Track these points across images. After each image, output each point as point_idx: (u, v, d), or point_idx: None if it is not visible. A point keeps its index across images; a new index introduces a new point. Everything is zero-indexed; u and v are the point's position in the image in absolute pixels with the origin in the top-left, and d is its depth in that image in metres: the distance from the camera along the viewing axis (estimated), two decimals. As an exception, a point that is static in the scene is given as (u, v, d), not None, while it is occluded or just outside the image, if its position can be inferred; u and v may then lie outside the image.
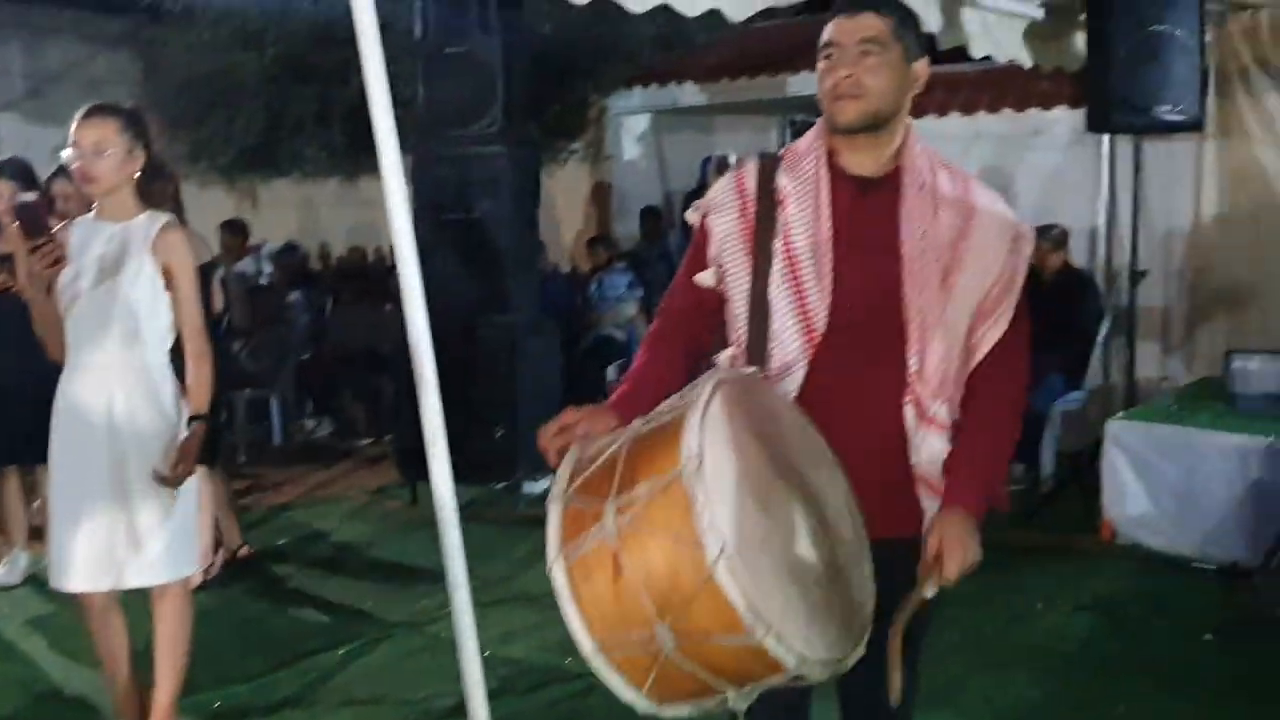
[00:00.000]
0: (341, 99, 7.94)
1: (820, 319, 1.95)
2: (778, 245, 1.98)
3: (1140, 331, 6.10)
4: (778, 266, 1.97)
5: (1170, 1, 5.23)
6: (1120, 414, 5.20)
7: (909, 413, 1.95)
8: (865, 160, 1.99)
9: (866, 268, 1.95)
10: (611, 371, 7.89)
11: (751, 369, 1.95)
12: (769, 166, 2.04)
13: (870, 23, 1.93)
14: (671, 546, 1.55)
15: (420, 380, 2.79)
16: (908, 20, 1.99)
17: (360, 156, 7.40)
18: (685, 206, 9.28)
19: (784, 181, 2.00)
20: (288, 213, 9.22)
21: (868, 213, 1.97)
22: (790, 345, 1.96)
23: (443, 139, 5.86)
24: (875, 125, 1.95)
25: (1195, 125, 5.42)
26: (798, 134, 8.92)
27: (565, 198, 9.68)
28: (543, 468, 5.96)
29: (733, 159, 8.99)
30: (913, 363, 1.95)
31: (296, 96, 8.36)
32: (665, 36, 8.77)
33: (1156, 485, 4.83)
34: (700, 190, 8.86)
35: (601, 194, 10.20)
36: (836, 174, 1.99)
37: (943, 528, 1.89)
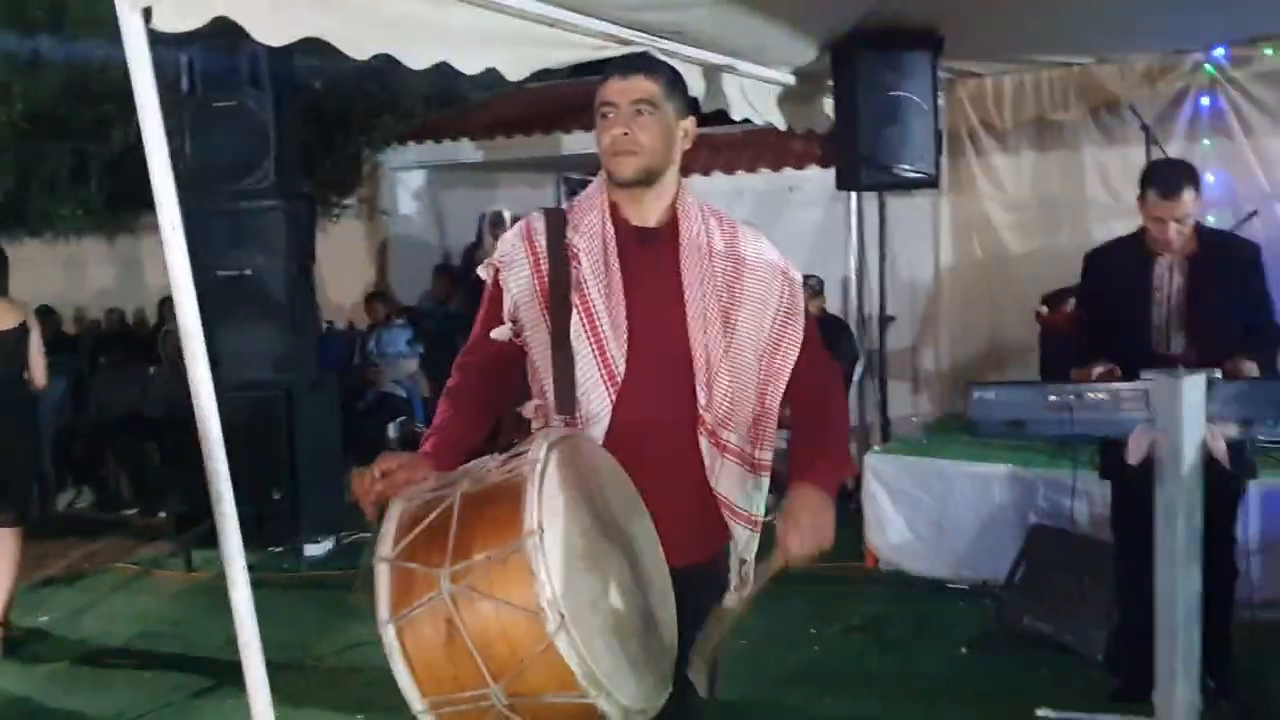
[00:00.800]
0: (99, 155, 7.61)
1: (620, 366, 2.06)
2: (574, 298, 2.07)
3: (891, 372, 6.60)
4: (576, 319, 2.07)
5: (907, 69, 5.71)
6: (877, 448, 5.60)
7: (704, 444, 2.09)
8: (645, 211, 2.13)
9: (655, 314, 2.09)
10: (392, 429, 7.83)
11: (574, 428, 2.04)
12: (556, 222, 2.14)
13: (642, 84, 2.08)
14: (510, 615, 1.62)
15: (206, 440, 2.76)
16: (676, 81, 2.16)
17: (119, 214, 7.13)
18: (465, 261, 9.34)
19: (573, 236, 2.11)
20: (41, 274, 8.71)
21: (651, 261, 2.12)
22: (595, 394, 2.06)
23: (213, 193, 5.74)
24: (650, 179, 2.10)
25: (931, 182, 5.91)
26: (572, 192, 9.17)
27: (340, 254, 9.56)
28: (324, 530, 5.88)
29: (507, 215, 9.14)
30: (701, 397, 2.09)
31: (48, 152, 7.95)
32: (440, 94, 8.87)
33: (913, 513, 5.23)
34: (477, 245, 8.95)
35: (379, 250, 10.13)
36: (620, 225, 2.13)
37: (792, 504, 2.01)
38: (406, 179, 10.02)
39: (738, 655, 4.21)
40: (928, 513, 5.19)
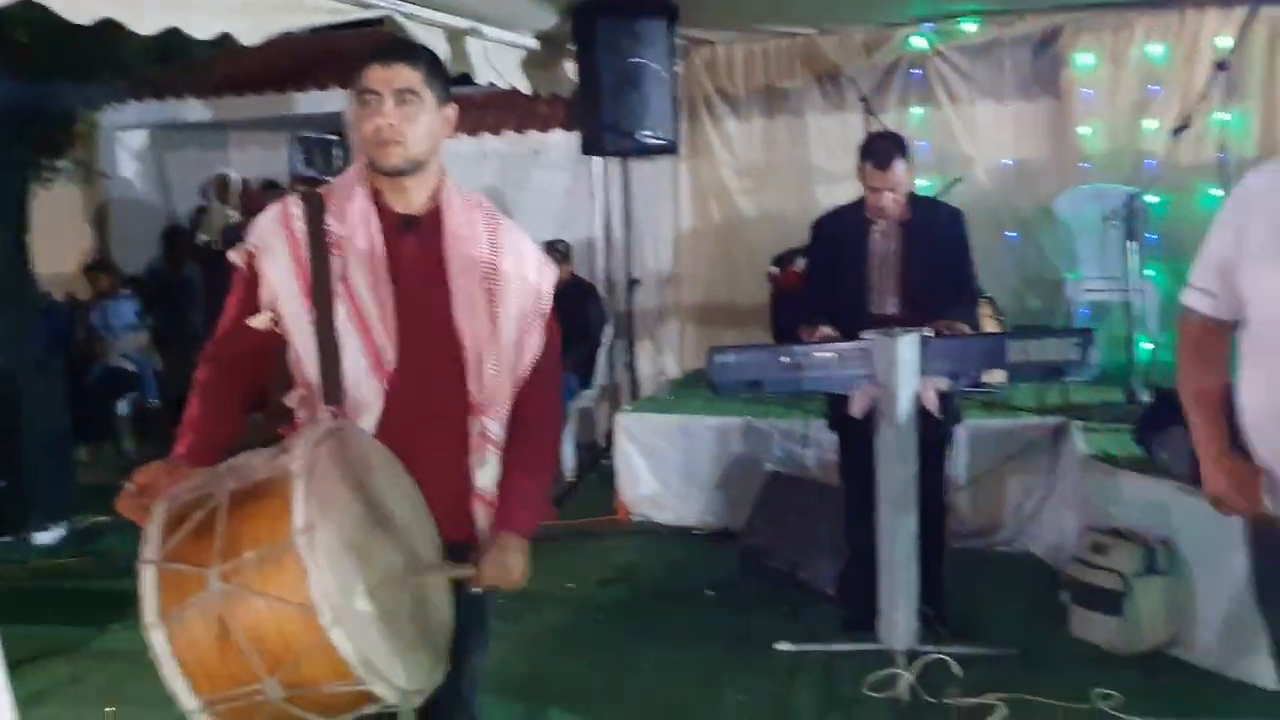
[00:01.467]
0: None
1: (389, 355, 2.07)
2: (339, 287, 2.06)
3: (638, 333, 6.82)
4: (341, 308, 2.05)
5: (645, 36, 5.88)
6: (627, 407, 5.81)
7: (474, 432, 2.12)
8: (409, 199, 2.13)
9: (422, 302, 2.10)
10: (122, 405, 7.42)
11: (342, 419, 2.03)
12: (315, 207, 2.11)
13: (405, 72, 2.06)
14: (284, 610, 1.63)
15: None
16: (436, 68, 2.14)
17: None
18: (192, 225, 8.82)
19: (334, 224, 2.09)
20: None
21: (417, 249, 2.12)
22: (364, 383, 2.06)
23: (-94, 160, 5.24)
24: (415, 167, 2.09)
25: (671, 148, 6.14)
26: (308, 151, 8.84)
27: (53, 221, 8.88)
28: (54, 516, 5.54)
29: (233, 176, 8.76)
30: (474, 388, 2.12)
31: None
32: (164, 48, 8.33)
33: (661, 466, 5.48)
34: (204, 210, 8.54)
35: (97, 215, 9.48)
36: (384, 213, 2.12)
37: (494, 551, 2.09)
38: (127, 139, 9.40)
39: (498, 617, 4.32)
40: (674, 465, 5.44)
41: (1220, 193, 6.01)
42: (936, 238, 3.78)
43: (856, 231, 3.80)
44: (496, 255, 2.20)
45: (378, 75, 2.07)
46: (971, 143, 6.37)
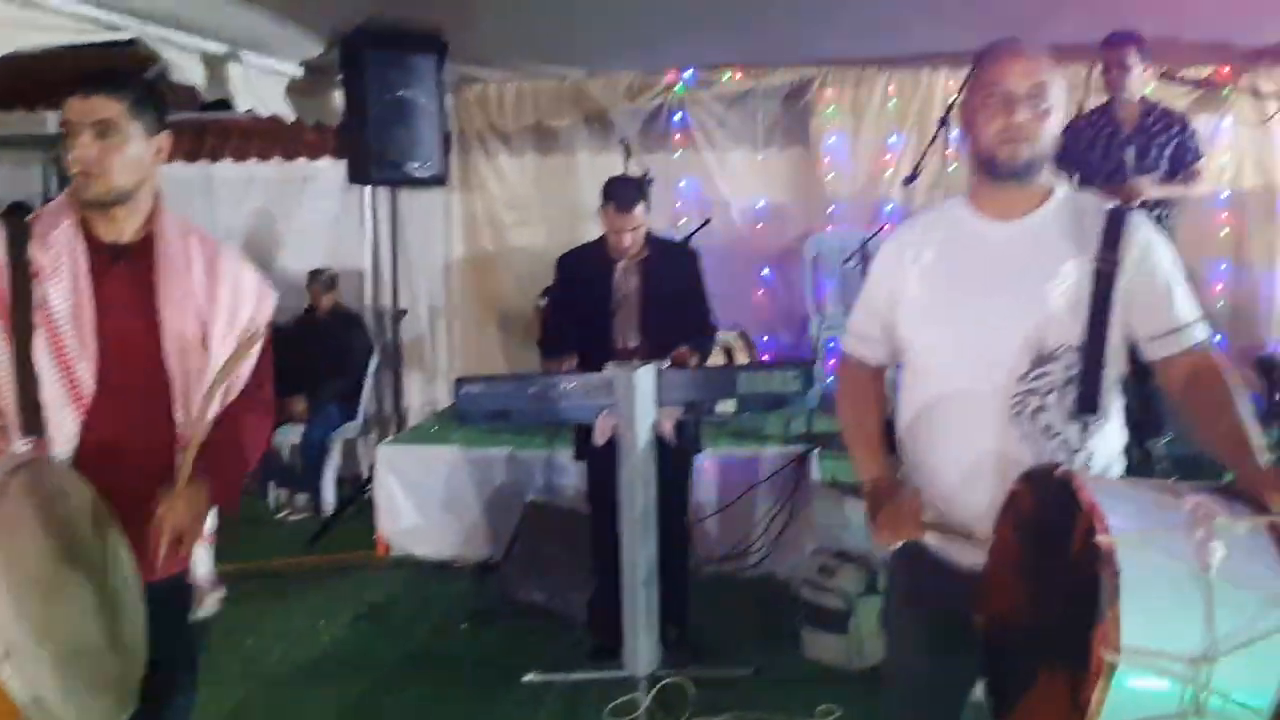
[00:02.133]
0: None
1: (88, 384, 2.04)
2: (38, 316, 2.02)
3: (406, 363, 6.79)
4: (40, 337, 2.02)
5: (413, 70, 5.91)
6: (389, 438, 5.77)
7: (181, 461, 2.09)
8: (119, 228, 2.11)
9: (127, 332, 2.08)
10: None
11: (39, 451, 1.99)
12: (18, 234, 2.06)
13: (105, 105, 2.05)
14: None
15: None
16: (144, 98, 2.12)
17: None
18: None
19: (36, 252, 2.05)
20: None
21: (125, 279, 2.10)
22: (62, 412, 2.03)
23: None
24: (120, 199, 2.08)
25: (440, 180, 6.17)
26: (62, 173, 8.34)
27: None
28: None
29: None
30: (180, 416, 2.12)
31: None
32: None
33: (423, 499, 5.45)
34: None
35: None
36: (91, 242, 2.09)
37: (174, 498, 2.04)
38: None
39: (242, 656, 4.24)
40: (436, 498, 5.43)
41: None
42: (674, 275, 3.96)
43: (600, 269, 3.94)
44: (213, 283, 2.20)
45: (76, 107, 2.05)
46: (728, 185, 6.67)
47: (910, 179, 5.58)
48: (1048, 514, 1.77)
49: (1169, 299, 1.99)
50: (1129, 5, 5.15)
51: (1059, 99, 1.97)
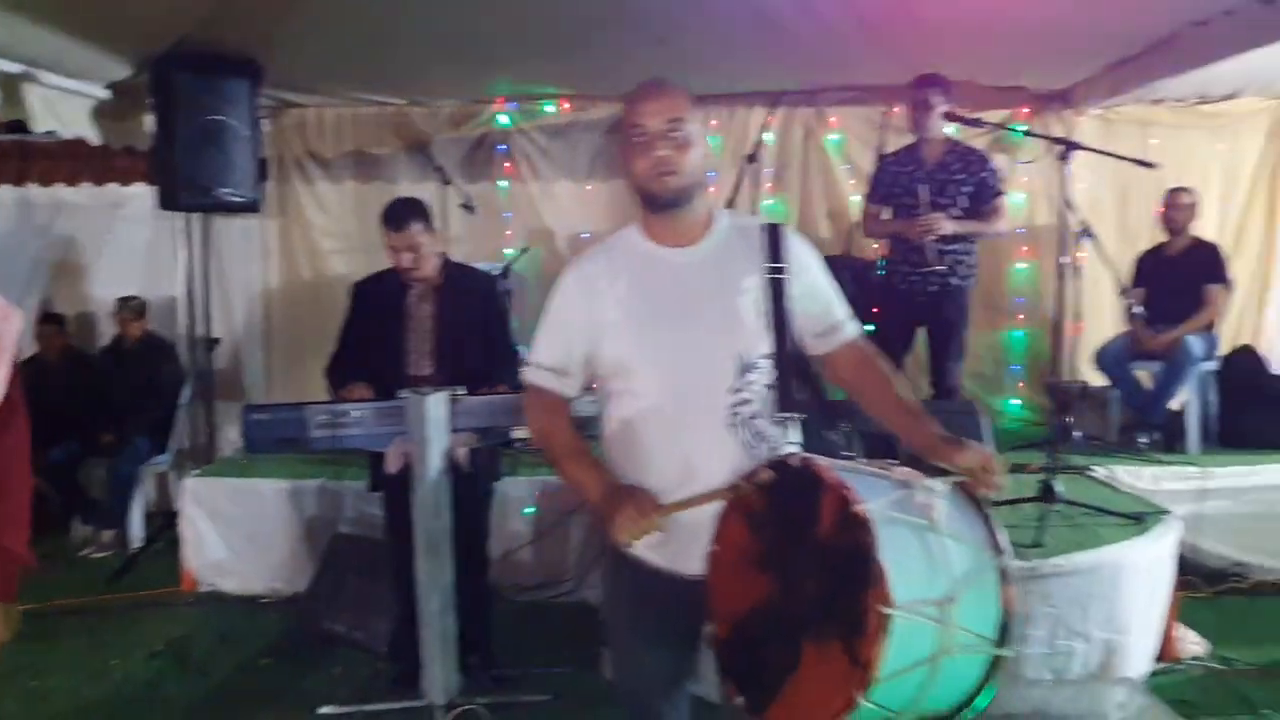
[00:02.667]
0: None
1: None
2: None
3: (221, 392, 6.61)
4: None
5: (226, 95, 5.79)
6: (196, 471, 5.60)
7: None
8: None
9: None
10: None
11: None
12: None
13: None
14: None
15: None
16: None
17: None
18: None
19: None
20: None
21: None
22: None
23: None
24: None
25: (253, 207, 6.05)
26: None
27: None
28: None
29: None
30: None
31: None
32: None
33: (231, 533, 5.30)
34: None
35: None
36: None
37: None
38: None
39: (23, 696, 4.05)
40: (244, 531, 5.29)
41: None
42: (470, 301, 3.96)
43: (393, 295, 3.92)
44: None
45: None
46: (552, 215, 6.73)
47: (724, 212, 5.74)
48: (786, 503, 1.91)
49: (827, 299, 2.24)
50: (930, 50, 5.43)
51: (698, 132, 2.13)
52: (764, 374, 2.14)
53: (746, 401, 2.13)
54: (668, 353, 2.13)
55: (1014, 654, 1.83)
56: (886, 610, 1.66)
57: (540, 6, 4.90)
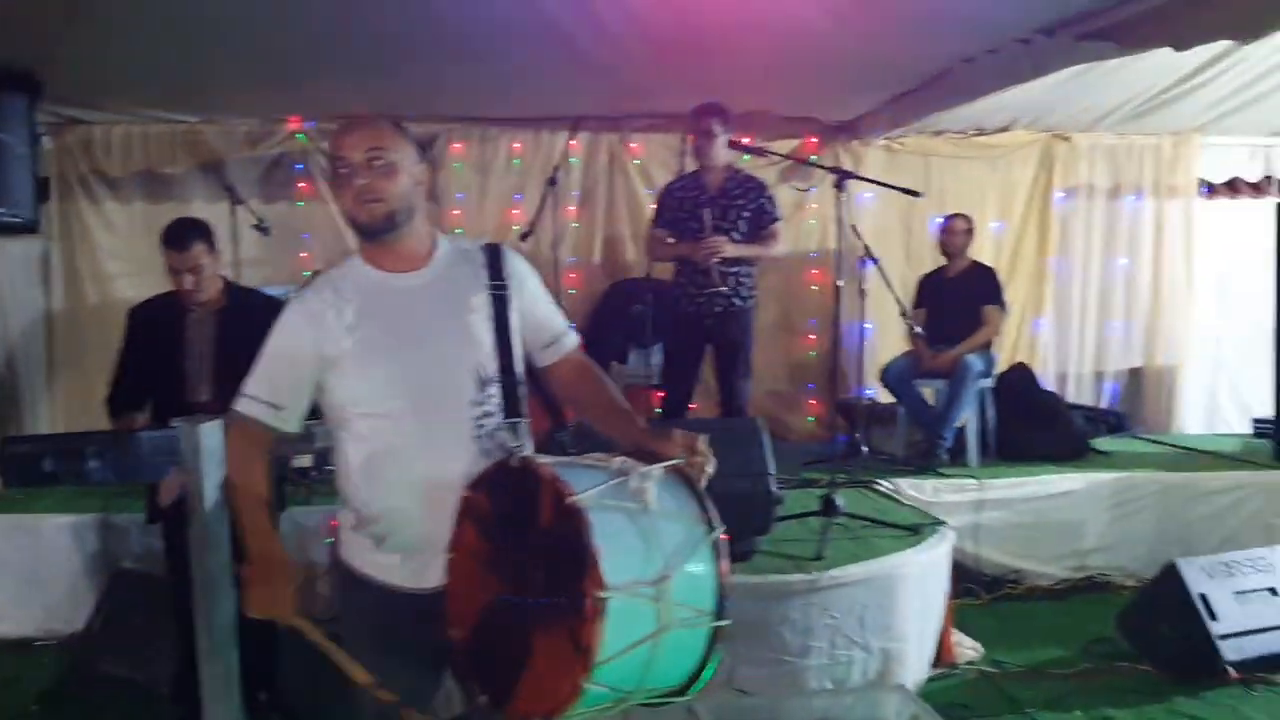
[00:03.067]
0: None
1: None
2: None
3: (-2, 423, 6.23)
4: None
5: (2, 111, 5.51)
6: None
7: None
8: None
9: None
10: None
11: None
12: None
13: None
14: None
15: None
16: None
17: None
18: None
19: None
20: None
21: None
22: None
23: None
24: None
25: (31, 228, 5.76)
26: None
27: None
28: None
29: None
30: None
31: None
32: None
33: (2, 573, 4.99)
34: None
35: None
36: None
37: None
38: None
39: None
40: (16, 570, 4.98)
41: (574, 292, 6.79)
42: (253, 325, 3.82)
43: (171, 319, 3.79)
44: None
45: None
46: (353, 236, 6.58)
47: (525, 235, 5.78)
48: (510, 503, 1.99)
49: (548, 313, 2.37)
50: (724, 80, 5.61)
51: (402, 159, 2.18)
52: (501, 386, 2.22)
53: (489, 414, 2.20)
54: (407, 375, 2.17)
55: (731, 624, 1.95)
56: (601, 594, 1.73)
57: (341, 25, 4.83)
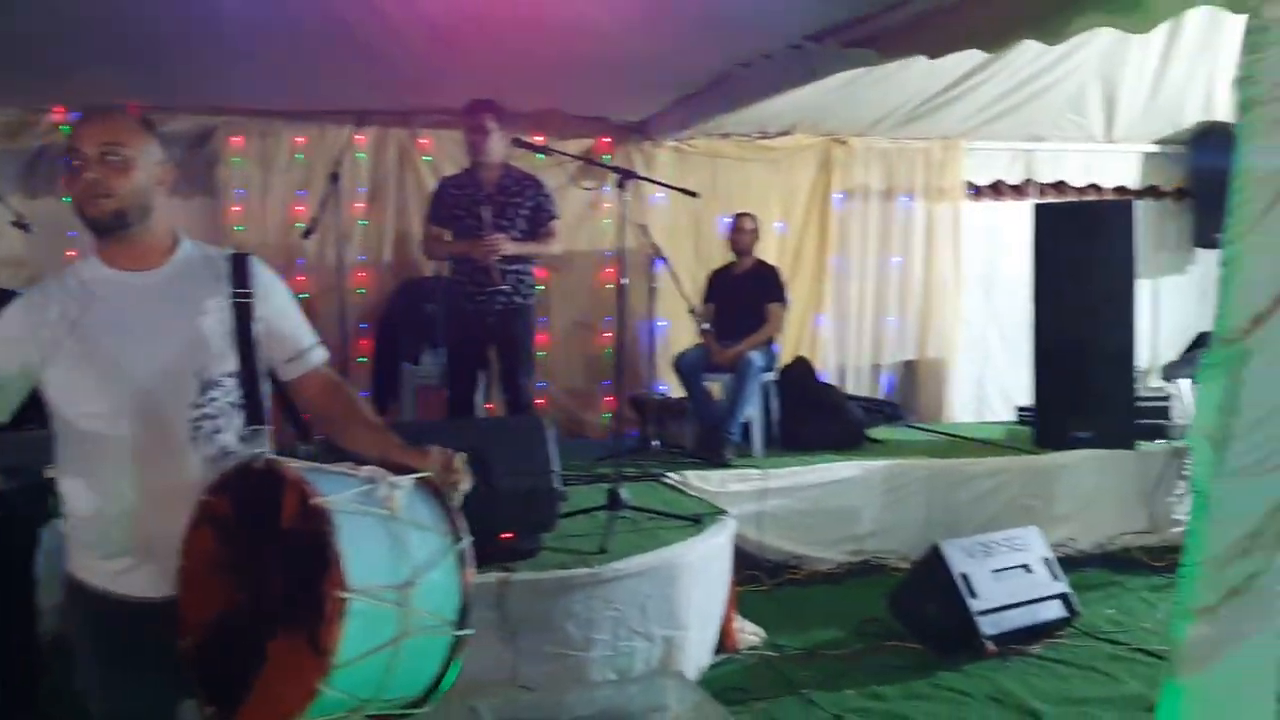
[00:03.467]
0: None
1: None
2: None
3: None
4: None
5: None
6: None
7: None
8: None
9: None
10: None
11: None
12: None
13: None
14: None
15: None
16: None
17: None
18: None
19: None
20: None
21: None
22: None
23: None
24: None
25: None
26: None
27: None
28: None
29: None
30: None
31: None
32: None
33: None
34: None
35: None
36: None
37: None
38: None
39: None
40: None
41: (363, 292, 6.66)
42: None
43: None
44: None
45: None
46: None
47: (307, 233, 5.62)
48: (252, 507, 1.96)
49: (294, 326, 2.35)
50: (515, 78, 5.60)
51: (140, 156, 2.15)
52: (229, 391, 2.19)
53: (209, 417, 2.16)
54: (123, 373, 2.12)
55: (473, 633, 1.96)
56: (343, 594, 1.73)
57: (107, 10, 4.58)
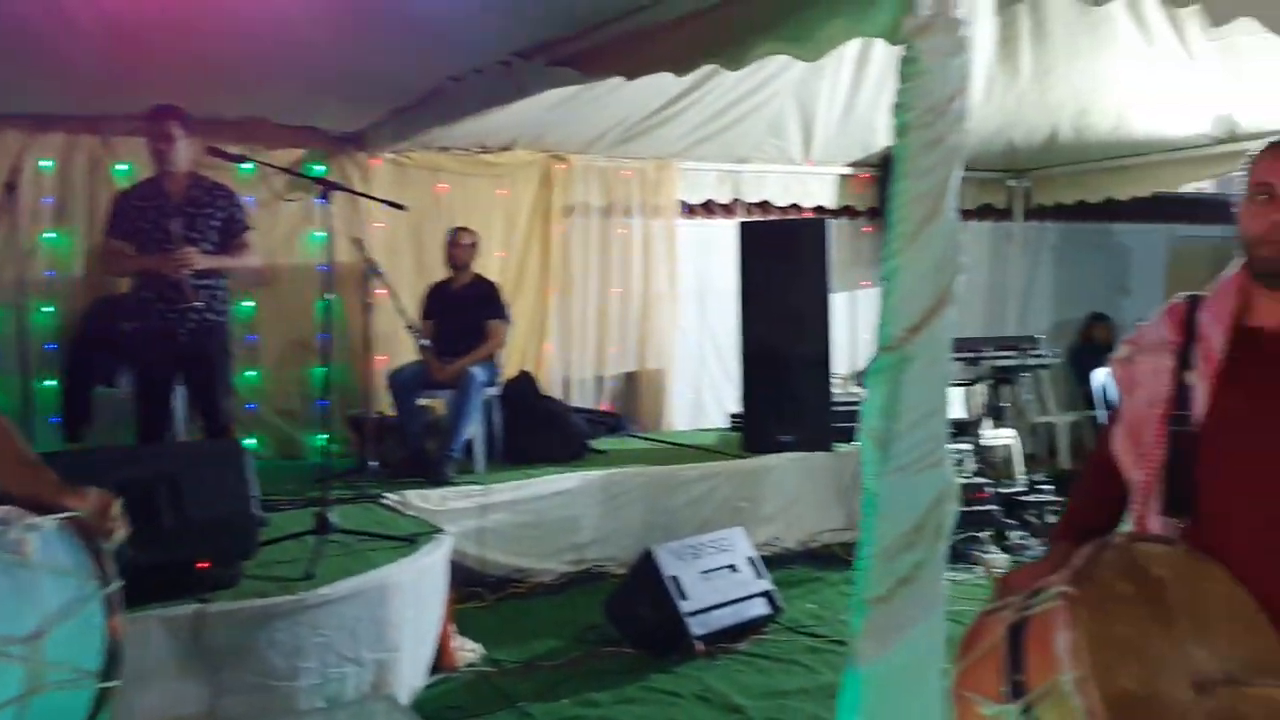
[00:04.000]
0: None
1: None
2: None
3: None
4: None
5: None
6: None
7: None
8: None
9: None
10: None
11: None
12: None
13: None
14: None
15: None
16: None
17: None
18: None
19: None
20: None
21: None
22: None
23: None
24: None
25: None
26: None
27: None
28: None
29: None
30: None
31: None
32: None
33: None
34: None
35: None
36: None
37: None
38: None
39: None
40: None
41: (51, 308, 6.19)
42: None
43: None
44: None
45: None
46: None
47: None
48: None
49: None
50: (215, 86, 5.36)
51: None
52: None
53: None
54: None
55: (119, 684, 1.87)
56: None
57: None
